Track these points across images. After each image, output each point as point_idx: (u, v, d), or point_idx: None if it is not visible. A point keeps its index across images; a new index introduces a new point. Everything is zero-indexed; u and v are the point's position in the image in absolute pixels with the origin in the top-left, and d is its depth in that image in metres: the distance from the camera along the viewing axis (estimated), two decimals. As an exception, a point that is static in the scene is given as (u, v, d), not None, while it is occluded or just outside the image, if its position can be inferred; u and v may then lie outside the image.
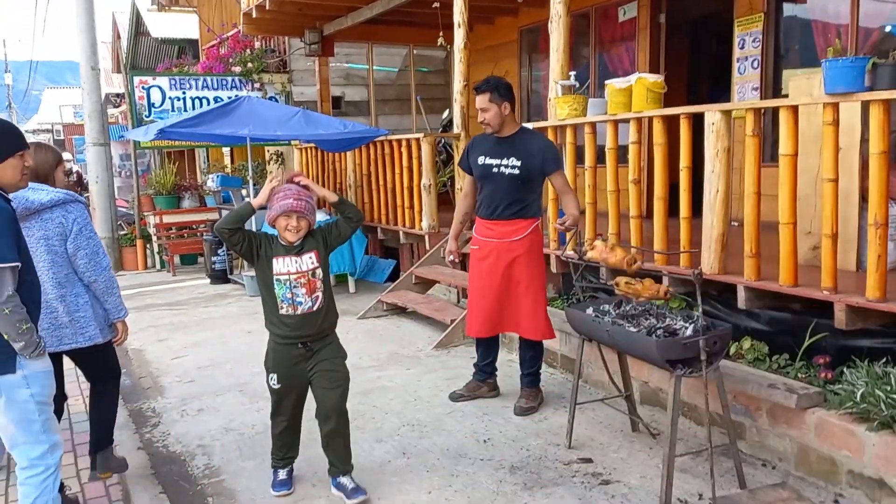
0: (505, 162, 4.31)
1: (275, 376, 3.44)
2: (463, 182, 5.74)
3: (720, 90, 7.77)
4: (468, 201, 4.67)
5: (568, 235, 4.33)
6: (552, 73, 5.88)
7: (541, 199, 4.47)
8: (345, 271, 8.21)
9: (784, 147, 3.92)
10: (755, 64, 7.02)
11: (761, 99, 6.85)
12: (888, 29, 5.99)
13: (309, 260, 3.35)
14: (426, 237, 7.41)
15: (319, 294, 3.36)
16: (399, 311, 7.05)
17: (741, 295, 4.18)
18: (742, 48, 7.15)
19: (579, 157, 5.63)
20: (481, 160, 4.41)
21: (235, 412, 4.73)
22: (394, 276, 8.93)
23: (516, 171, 4.27)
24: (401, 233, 7.90)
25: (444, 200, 8.58)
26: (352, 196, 8.99)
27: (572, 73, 5.88)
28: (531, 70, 10.04)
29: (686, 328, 3.34)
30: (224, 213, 7.14)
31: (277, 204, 3.29)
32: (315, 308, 3.35)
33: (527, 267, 4.34)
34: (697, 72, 9.14)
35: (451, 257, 4.73)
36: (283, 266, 3.32)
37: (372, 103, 11.56)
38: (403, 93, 11.85)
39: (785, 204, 3.94)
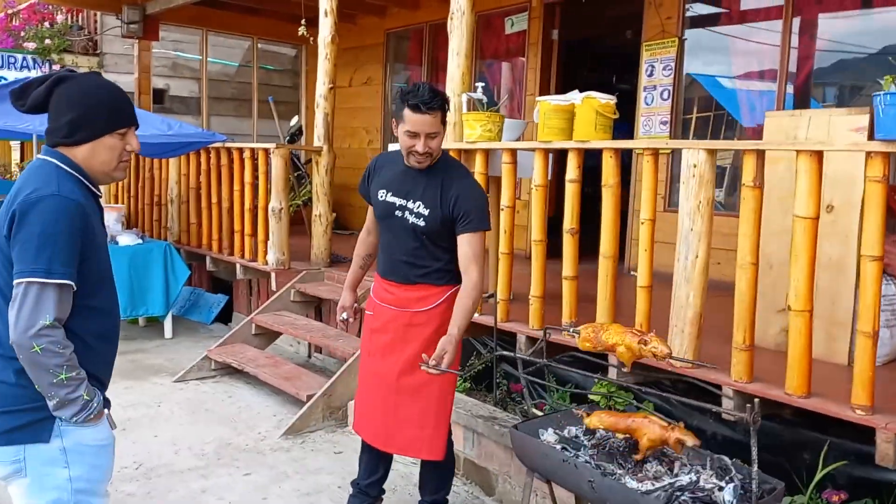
0: (410, 205, 2.95)
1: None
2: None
3: (620, 122, 6.87)
4: (371, 239, 3.24)
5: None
6: (451, 81, 4.60)
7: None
8: (155, 313, 6.40)
9: (804, 207, 2.87)
10: (665, 95, 6.16)
11: (671, 138, 5.99)
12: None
13: None
14: (272, 275, 5.85)
15: None
16: (233, 370, 5.42)
17: (726, 402, 3.09)
18: (650, 76, 6.27)
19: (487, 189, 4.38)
20: (382, 194, 3.03)
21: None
22: (224, 315, 7.22)
23: (420, 223, 2.92)
24: (238, 266, 6.26)
25: (295, 221, 7.06)
26: (173, 213, 7.19)
27: (479, 85, 4.63)
28: (397, 80, 8.76)
29: (723, 489, 2.14)
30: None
31: None
32: None
33: (421, 351, 2.99)
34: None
35: (344, 315, 3.30)
36: None
37: (204, 101, 9.73)
38: (244, 92, 10.11)
39: (801, 283, 2.89)
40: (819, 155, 2.84)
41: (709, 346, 3.30)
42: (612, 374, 3.53)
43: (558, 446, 2.47)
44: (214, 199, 6.53)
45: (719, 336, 3.61)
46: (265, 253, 5.89)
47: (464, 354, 4.66)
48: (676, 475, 2.28)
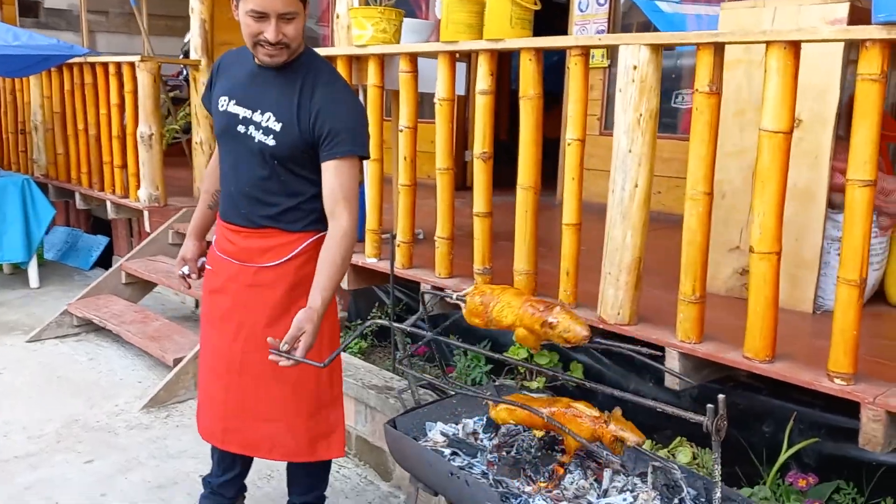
0: (257, 118, 2.15)
1: None
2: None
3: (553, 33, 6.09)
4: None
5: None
6: (343, -27, 3.74)
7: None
8: (15, 260, 5.47)
9: (774, 117, 2.19)
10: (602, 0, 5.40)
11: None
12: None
13: None
14: (145, 213, 4.98)
15: None
16: (99, 328, 4.60)
17: (673, 366, 2.45)
18: (585, -23, 5.48)
19: (387, 110, 3.60)
20: (222, 103, 2.22)
21: None
22: (106, 259, 6.33)
23: (269, 142, 2.14)
24: (109, 203, 5.35)
25: (177, 153, 6.16)
26: (39, 142, 6.17)
27: (377, -24, 3.78)
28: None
29: (672, 517, 1.50)
30: None
31: None
32: None
33: (272, 322, 2.24)
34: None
35: (185, 269, 2.50)
36: None
37: (83, 14, 8.50)
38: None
39: (768, 218, 2.24)
40: (796, 48, 2.15)
41: (646, 295, 2.66)
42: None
43: (447, 451, 1.78)
44: (80, 126, 5.54)
45: (659, 281, 2.97)
46: (137, 188, 5.00)
47: (365, 306, 3.95)
48: (605, 492, 1.63)
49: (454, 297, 1.89)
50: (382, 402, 2.92)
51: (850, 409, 2.22)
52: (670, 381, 2.45)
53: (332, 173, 2.12)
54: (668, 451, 2.42)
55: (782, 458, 2.33)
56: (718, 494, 1.37)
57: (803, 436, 2.41)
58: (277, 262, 2.20)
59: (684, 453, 2.39)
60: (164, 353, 3.89)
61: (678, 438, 2.48)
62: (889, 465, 2.26)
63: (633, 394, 2.83)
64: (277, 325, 2.20)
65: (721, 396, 1.36)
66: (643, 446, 2.33)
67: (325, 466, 2.52)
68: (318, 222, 2.23)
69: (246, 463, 2.56)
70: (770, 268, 2.25)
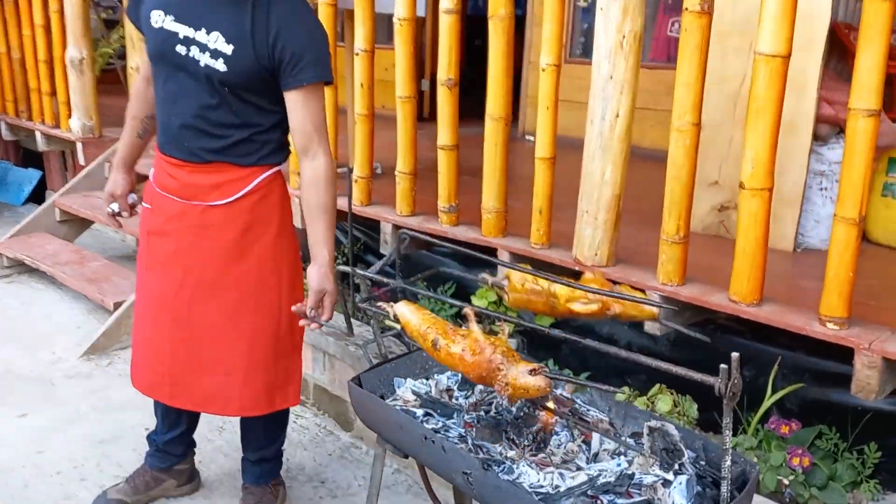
0: (202, 38, 1.87)
1: None
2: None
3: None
4: (152, 92, 2.10)
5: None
6: None
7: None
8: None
9: (773, 39, 2.00)
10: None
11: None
12: None
13: None
14: (78, 145, 4.61)
15: None
16: (32, 269, 4.28)
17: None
18: None
19: (340, 34, 3.32)
20: (157, 19, 1.93)
21: None
22: (40, 195, 5.92)
23: (219, 66, 1.86)
24: (38, 134, 4.94)
25: (114, 80, 5.73)
26: (-41, 68, 5.66)
27: None
28: None
29: (669, 485, 1.36)
30: None
31: None
32: None
33: (252, 271, 2.03)
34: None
35: (114, 207, 2.23)
36: None
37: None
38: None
39: (762, 151, 2.07)
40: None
41: (623, 234, 2.50)
42: (502, 269, 2.69)
43: (419, 412, 1.60)
44: (3, 48, 5.07)
45: (633, 219, 2.80)
46: (68, 117, 4.60)
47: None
48: (596, 456, 1.48)
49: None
50: (342, 350, 2.73)
51: (837, 353, 2.12)
52: (650, 326, 2.31)
53: (300, 104, 1.88)
54: (648, 400, 2.30)
55: (766, 403, 2.23)
56: (728, 463, 1.23)
57: (786, 381, 2.31)
58: (228, 200, 1.96)
59: (664, 401, 2.27)
60: (103, 296, 3.62)
61: (657, 386, 2.35)
62: (876, 410, 2.18)
63: (606, 340, 2.70)
64: (232, 272, 1.99)
65: (735, 356, 1.20)
66: (624, 398, 2.21)
67: (283, 419, 2.33)
68: (274, 154, 1.99)
69: (193, 418, 2.37)
70: (761, 205, 2.10)
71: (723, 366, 1.19)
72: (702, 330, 2.52)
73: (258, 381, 2.09)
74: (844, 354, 2.05)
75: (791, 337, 2.21)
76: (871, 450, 2.19)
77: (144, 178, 2.14)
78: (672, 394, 2.32)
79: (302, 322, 1.91)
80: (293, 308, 1.89)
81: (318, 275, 1.89)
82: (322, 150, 1.91)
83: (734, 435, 2.24)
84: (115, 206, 2.22)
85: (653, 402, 2.28)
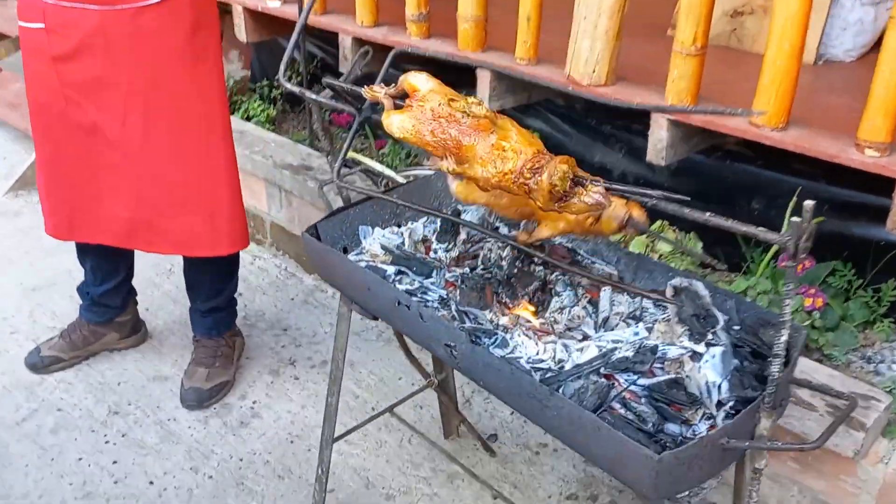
0: None
1: None
2: None
3: None
4: None
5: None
6: None
7: None
8: None
9: None
10: None
11: None
12: None
13: None
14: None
15: None
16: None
17: (660, 136, 1.99)
18: None
19: None
20: None
21: None
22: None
23: None
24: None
25: None
26: None
27: None
28: None
29: (699, 358, 1.11)
30: None
31: None
32: None
33: (213, 84, 1.67)
34: None
35: None
36: None
37: None
38: None
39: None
40: None
41: (625, 48, 2.11)
42: (484, 88, 2.32)
43: (391, 270, 1.31)
44: None
45: (638, 26, 2.40)
46: None
47: (270, 62, 3.28)
48: (606, 321, 1.22)
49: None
50: (300, 185, 2.40)
51: (865, 183, 1.85)
52: (654, 155, 2.00)
53: None
54: (647, 238, 2.03)
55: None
56: (784, 338, 0.96)
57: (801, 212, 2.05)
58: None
59: (667, 239, 2.01)
60: (28, 122, 3.18)
61: (658, 222, 2.08)
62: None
63: (599, 170, 2.40)
64: (188, 83, 1.62)
65: (809, 203, 0.90)
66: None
67: (233, 264, 2.05)
68: None
69: (130, 266, 2.07)
70: (800, 6, 1.72)
71: (794, 219, 0.90)
72: (705, 158, 2.23)
73: (230, 213, 1.82)
74: (875, 184, 1.79)
75: (811, 163, 1.93)
76: (889, 287, 1.98)
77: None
78: (674, 230, 2.06)
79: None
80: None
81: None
82: None
83: (735, 271, 2.02)
84: None
85: (653, 242, 2.02)
